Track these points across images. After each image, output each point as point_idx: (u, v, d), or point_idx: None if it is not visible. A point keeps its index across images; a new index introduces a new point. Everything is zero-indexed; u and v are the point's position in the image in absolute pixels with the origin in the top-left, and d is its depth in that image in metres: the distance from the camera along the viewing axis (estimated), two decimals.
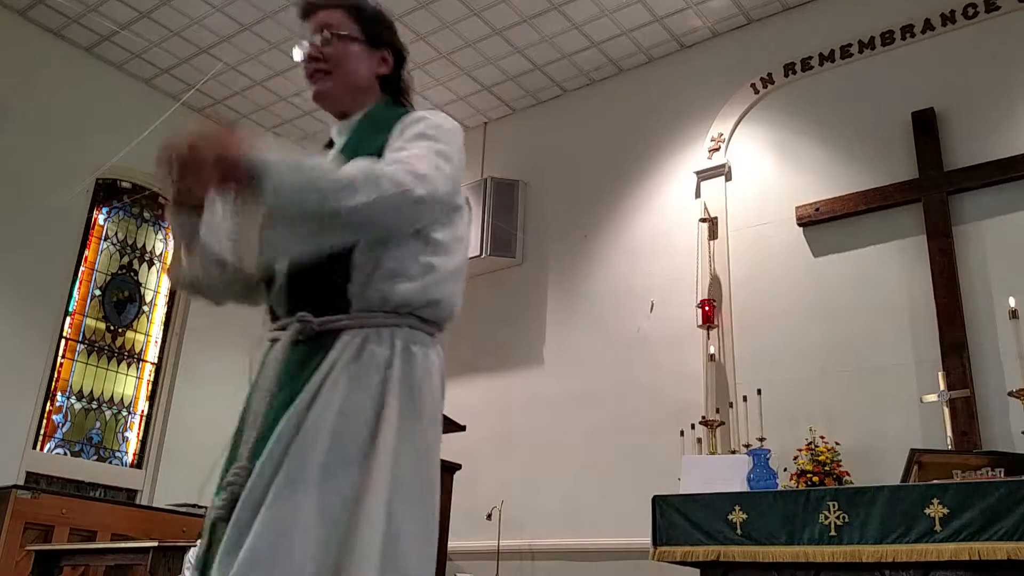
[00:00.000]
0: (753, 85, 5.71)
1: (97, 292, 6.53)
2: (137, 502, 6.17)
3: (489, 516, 5.44)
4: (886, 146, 5.04)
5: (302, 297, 1.58)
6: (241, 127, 1.43)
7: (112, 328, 6.57)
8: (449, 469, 4.32)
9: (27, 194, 5.91)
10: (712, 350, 5.19)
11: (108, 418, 6.43)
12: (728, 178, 5.63)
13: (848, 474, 4.32)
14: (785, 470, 4.43)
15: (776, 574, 3.62)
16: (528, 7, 5.85)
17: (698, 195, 5.72)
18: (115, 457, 6.39)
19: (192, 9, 6.01)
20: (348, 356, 1.50)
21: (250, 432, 1.48)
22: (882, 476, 3.99)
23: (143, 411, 6.61)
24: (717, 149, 5.71)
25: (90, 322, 6.45)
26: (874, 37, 5.30)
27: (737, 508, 3.74)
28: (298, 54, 1.79)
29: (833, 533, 3.47)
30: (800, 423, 4.61)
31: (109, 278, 6.62)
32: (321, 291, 1.56)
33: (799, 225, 5.18)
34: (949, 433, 4.20)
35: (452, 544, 4.53)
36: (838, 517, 3.48)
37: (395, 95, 1.85)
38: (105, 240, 6.66)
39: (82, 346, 6.37)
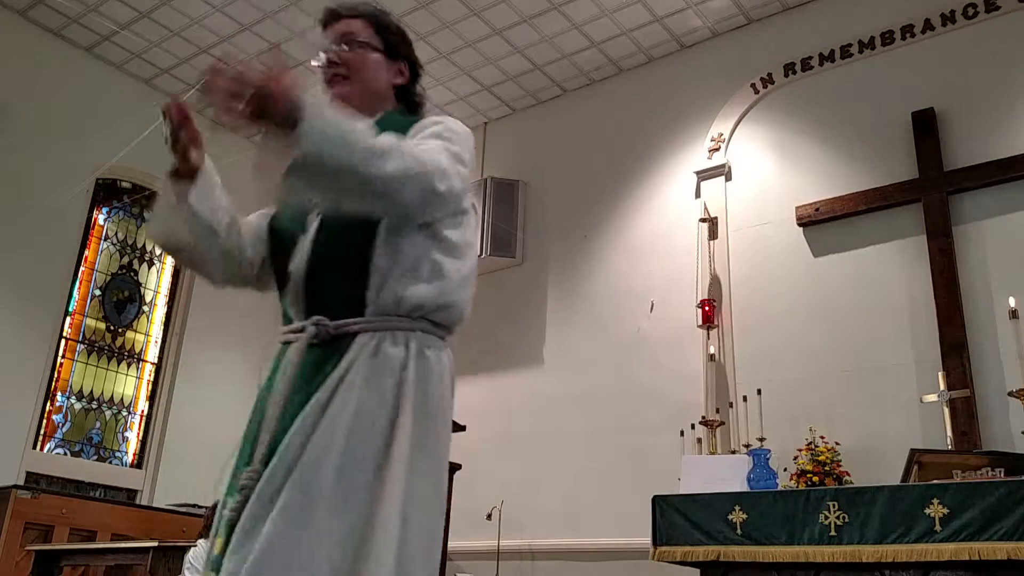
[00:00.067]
0: (753, 85, 5.71)
1: (97, 292, 6.53)
2: (137, 502, 6.17)
3: (489, 516, 5.44)
4: (886, 146, 5.04)
5: (318, 300, 1.59)
6: (293, 72, 1.42)
7: (112, 328, 6.57)
8: (449, 469, 4.31)
9: (27, 194, 5.91)
10: (712, 350, 5.19)
11: (108, 418, 6.43)
12: (728, 178, 5.63)
13: (848, 474, 4.32)
14: (785, 470, 4.43)
15: (776, 574, 3.62)
16: (528, 7, 5.85)
17: (698, 195, 5.72)
18: (115, 457, 6.39)
19: (192, 9, 6.01)
20: (364, 358, 1.51)
21: (264, 435, 1.48)
22: (882, 476, 3.99)
23: (143, 411, 6.61)
24: (717, 149, 5.71)
25: (90, 322, 6.45)
26: (874, 37, 5.30)
27: (737, 508, 3.74)
28: (317, 60, 1.81)
29: (833, 533, 3.47)
30: (800, 423, 4.61)
31: (109, 278, 6.62)
32: (337, 294, 1.57)
33: (799, 225, 5.18)
34: (949, 433, 4.20)
35: (452, 544, 4.53)
36: (838, 517, 3.48)
37: (409, 106, 1.87)
38: (105, 240, 6.66)
39: (82, 346, 6.37)
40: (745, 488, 4.10)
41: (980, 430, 4.22)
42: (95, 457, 6.28)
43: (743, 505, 3.74)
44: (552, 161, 6.61)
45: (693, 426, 4.87)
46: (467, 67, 6.45)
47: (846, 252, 5.01)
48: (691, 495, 3.98)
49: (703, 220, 5.56)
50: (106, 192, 6.66)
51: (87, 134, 6.28)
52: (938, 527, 3.23)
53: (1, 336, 5.68)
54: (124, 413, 6.53)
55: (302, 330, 1.56)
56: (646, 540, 4.01)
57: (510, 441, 5.87)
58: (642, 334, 5.63)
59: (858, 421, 4.57)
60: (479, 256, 6.17)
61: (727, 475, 4.17)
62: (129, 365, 6.62)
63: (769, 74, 5.66)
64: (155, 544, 4.39)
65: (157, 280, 6.94)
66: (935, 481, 3.39)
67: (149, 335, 6.78)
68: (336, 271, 1.58)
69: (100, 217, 6.65)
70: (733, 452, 4.73)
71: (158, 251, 7.00)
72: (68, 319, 6.27)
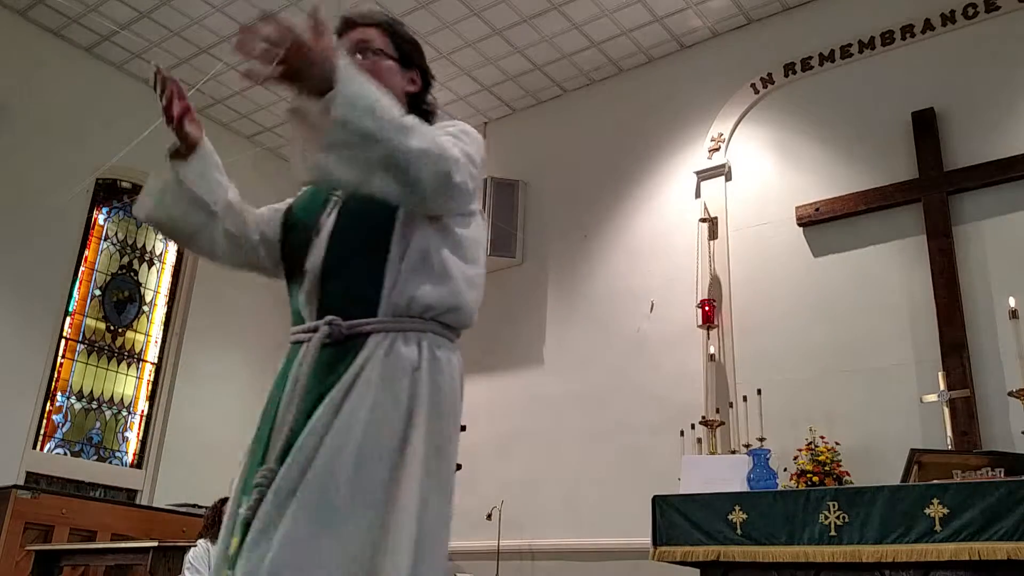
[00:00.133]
0: (753, 85, 5.71)
1: (97, 292, 6.53)
2: (137, 502, 6.17)
3: (489, 516, 5.44)
4: (886, 146, 5.04)
5: (331, 299, 1.60)
6: (331, 35, 1.42)
7: (112, 328, 6.57)
8: None
9: (27, 194, 5.91)
10: (712, 350, 5.19)
11: (108, 418, 6.43)
12: (728, 178, 5.64)
13: (848, 474, 4.32)
14: (785, 470, 4.43)
15: (776, 574, 3.62)
16: (528, 7, 5.86)
17: (698, 195, 5.72)
18: (115, 457, 6.39)
19: (192, 9, 6.01)
20: (378, 358, 1.52)
21: (277, 435, 1.49)
22: (882, 476, 3.99)
23: (143, 411, 6.61)
24: (717, 149, 5.71)
25: (90, 322, 6.45)
26: (874, 37, 5.30)
27: (737, 508, 3.74)
28: None
29: (833, 533, 3.47)
30: (800, 423, 4.61)
31: (109, 278, 6.62)
32: (351, 294, 1.58)
33: (799, 225, 5.18)
34: (949, 433, 4.20)
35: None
36: (838, 517, 3.48)
37: (421, 114, 1.88)
38: (105, 240, 6.66)
39: (82, 346, 6.37)
40: (745, 488, 4.10)
41: (980, 430, 4.22)
42: (95, 457, 6.28)
43: (743, 505, 3.74)
44: (552, 161, 6.61)
45: (693, 426, 4.87)
46: (467, 67, 6.46)
47: (846, 252, 5.01)
48: (691, 495, 3.98)
49: (703, 220, 5.57)
50: (106, 192, 6.66)
51: (87, 134, 6.28)
52: (938, 527, 3.23)
53: (1, 336, 5.68)
54: (124, 413, 6.53)
55: (315, 330, 1.56)
56: (646, 540, 4.00)
57: (510, 441, 5.87)
58: (642, 334, 5.63)
59: (858, 421, 4.57)
60: None
61: (727, 475, 4.17)
62: (129, 365, 6.62)
63: (769, 74, 5.66)
64: (155, 544, 4.39)
65: (157, 280, 6.94)
66: (935, 481, 3.39)
67: (149, 335, 6.78)
68: (351, 270, 1.59)
69: (100, 217, 6.65)
70: (733, 452, 4.73)
71: (158, 251, 7.00)
72: (68, 319, 6.27)
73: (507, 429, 5.90)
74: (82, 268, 6.42)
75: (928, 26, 5.12)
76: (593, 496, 5.38)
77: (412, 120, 1.47)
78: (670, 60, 6.24)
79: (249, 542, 1.40)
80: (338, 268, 1.61)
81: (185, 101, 1.69)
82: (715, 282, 5.39)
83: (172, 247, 7.05)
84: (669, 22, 5.95)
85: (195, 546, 4.46)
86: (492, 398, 6.06)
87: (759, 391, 4.60)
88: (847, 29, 5.41)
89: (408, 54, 1.85)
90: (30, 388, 5.84)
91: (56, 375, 6.15)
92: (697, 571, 3.89)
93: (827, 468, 4.30)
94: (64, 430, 6.17)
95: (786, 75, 5.60)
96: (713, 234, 5.52)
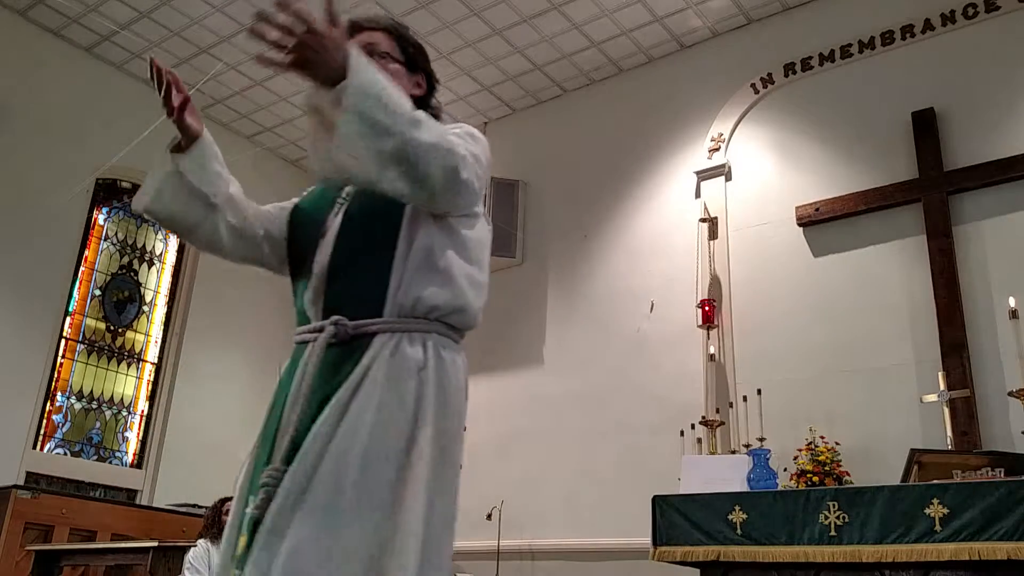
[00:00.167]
0: (753, 85, 5.71)
1: (97, 292, 6.53)
2: (137, 502, 6.17)
3: (489, 516, 5.44)
4: (886, 146, 5.04)
5: (338, 299, 1.60)
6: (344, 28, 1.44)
7: (112, 328, 6.57)
8: None
9: (27, 194, 5.91)
10: (712, 350, 5.19)
11: (108, 418, 6.43)
12: (728, 178, 5.64)
13: (848, 474, 4.32)
14: (785, 470, 4.43)
15: (776, 574, 3.62)
16: (528, 7, 5.86)
17: (698, 195, 5.72)
18: (115, 457, 6.39)
19: (192, 9, 6.01)
20: (384, 358, 1.52)
21: (284, 434, 1.49)
22: (882, 476, 3.99)
23: (143, 411, 6.61)
24: (717, 149, 5.71)
25: (90, 322, 6.45)
26: (874, 37, 5.30)
27: (737, 508, 3.74)
28: None
29: (833, 533, 3.47)
30: (800, 423, 4.61)
31: (109, 278, 6.62)
32: (357, 294, 1.59)
33: (799, 225, 5.18)
34: (949, 433, 4.20)
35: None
36: (838, 517, 3.48)
37: None
38: (105, 240, 6.66)
39: (82, 346, 6.37)
40: (745, 488, 4.10)
41: (980, 430, 4.22)
42: (95, 457, 6.28)
43: (743, 505, 3.74)
44: (552, 161, 6.61)
45: (693, 426, 4.87)
46: (467, 67, 6.46)
47: (846, 252, 5.01)
48: (691, 495, 3.98)
49: (703, 220, 5.57)
50: (106, 192, 6.65)
51: (87, 134, 6.28)
52: (938, 527, 3.23)
53: (1, 336, 5.68)
54: (124, 413, 6.53)
55: (321, 330, 1.57)
56: (646, 540, 4.00)
57: (510, 441, 5.87)
58: (642, 334, 5.63)
59: (858, 421, 4.57)
60: None
61: (727, 475, 4.17)
62: (129, 365, 6.62)
63: (769, 74, 5.66)
64: (155, 544, 4.40)
65: (157, 280, 6.94)
66: (935, 481, 3.39)
67: (149, 335, 6.77)
68: (358, 270, 1.60)
69: (100, 217, 6.65)
70: (733, 452, 4.73)
71: (158, 251, 7.00)
72: (68, 319, 6.27)
73: (507, 429, 5.90)
74: (82, 268, 6.42)
75: (928, 26, 5.12)
76: (593, 496, 5.38)
77: (422, 114, 1.48)
78: (670, 60, 6.24)
79: (261, 543, 1.40)
80: (344, 268, 1.61)
81: (184, 92, 1.70)
82: (715, 282, 5.39)
83: (172, 247, 7.06)
84: (669, 22, 5.95)
85: (195, 546, 4.46)
86: (492, 398, 6.05)
87: (759, 391, 4.60)
88: (847, 29, 5.41)
89: (414, 58, 1.86)
90: (30, 388, 5.84)
91: (56, 375, 6.14)
92: (697, 571, 3.89)
93: (827, 468, 4.30)
94: (64, 430, 6.17)
95: (786, 75, 5.60)
96: (713, 234, 5.52)
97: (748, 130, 5.67)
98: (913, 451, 3.67)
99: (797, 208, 5.19)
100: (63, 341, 6.21)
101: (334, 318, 1.56)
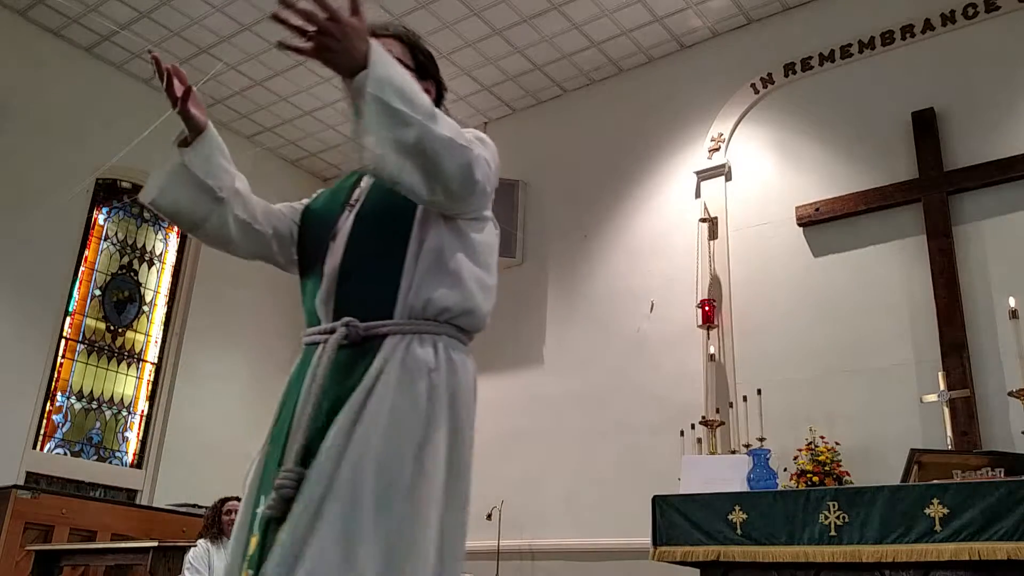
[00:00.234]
0: (753, 85, 5.71)
1: (97, 292, 6.53)
2: (137, 502, 6.17)
3: (489, 516, 5.44)
4: (886, 146, 5.04)
5: (348, 301, 1.60)
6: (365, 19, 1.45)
7: (112, 328, 6.57)
8: None
9: (27, 194, 5.91)
10: (712, 350, 5.19)
11: (108, 418, 6.43)
12: (728, 178, 5.64)
13: (848, 474, 4.32)
14: (785, 470, 4.43)
15: (776, 574, 3.62)
16: (528, 7, 5.86)
17: (698, 195, 5.72)
18: (115, 457, 6.39)
19: (192, 9, 6.01)
20: (397, 359, 1.52)
21: (296, 436, 1.49)
22: (882, 476, 3.99)
23: (143, 411, 6.61)
24: (717, 149, 5.71)
25: (90, 322, 6.45)
26: (874, 37, 5.30)
27: (737, 508, 3.74)
28: None
29: (833, 533, 3.47)
30: (800, 423, 4.61)
31: (109, 278, 6.62)
32: (368, 295, 1.59)
33: (799, 225, 5.18)
34: (949, 433, 4.20)
35: None
36: (838, 517, 3.48)
37: None
38: (105, 240, 6.66)
39: (82, 346, 6.37)
40: (745, 488, 4.10)
41: (980, 430, 4.22)
42: (95, 457, 6.28)
43: (743, 505, 3.74)
44: (552, 161, 6.61)
45: (693, 426, 4.87)
46: (467, 67, 6.46)
47: (846, 252, 5.01)
48: (691, 495, 3.98)
49: (703, 220, 5.56)
50: (106, 192, 6.66)
51: (87, 134, 6.28)
52: (938, 527, 3.23)
53: (1, 336, 5.68)
54: (124, 413, 6.53)
55: (332, 331, 1.57)
56: (646, 540, 4.00)
57: (510, 441, 5.86)
58: (642, 334, 5.63)
59: (858, 421, 4.57)
60: None
61: (727, 475, 4.17)
62: (129, 365, 6.62)
63: (769, 74, 5.66)
64: (155, 544, 4.40)
65: (157, 280, 6.94)
66: (935, 481, 3.39)
67: (149, 335, 6.77)
68: (368, 272, 1.60)
69: (100, 217, 6.65)
70: (733, 452, 4.73)
71: (158, 251, 7.00)
72: (68, 319, 6.27)
73: (507, 429, 5.90)
74: (82, 268, 6.42)
75: (928, 26, 5.12)
76: (593, 496, 5.38)
77: (438, 110, 1.49)
78: (670, 60, 6.24)
79: (274, 561, 1.39)
80: (356, 270, 1.61)
81: (186, 82, 1.69)
82: (715, 282, 5.39)
83: (172, 247, 7.06)
84: (669, 22, 5.95)
85: (195, 546, 4.47)
86: (492, 398, 6.02)
87: (759, 391, 4.60)
88: (847, 29, 5.41)
89: (424, 65, 1.86)
90: (30, 388, 5.84)
91: (56, 375, 6.14)
92: (697, 571, 3.89)
93: (827, 468, 4.30)
94: (64, 430, 6.17)
95: (786, 75, 5.60)
96: (713, 234, 5.52)
97: (748, 130, 5.67)
98: (913, 451, 3.67)
99: (797, 208, 5.19)
100: (63, 341, 6.21)
101: (345, 319, 1.57)
